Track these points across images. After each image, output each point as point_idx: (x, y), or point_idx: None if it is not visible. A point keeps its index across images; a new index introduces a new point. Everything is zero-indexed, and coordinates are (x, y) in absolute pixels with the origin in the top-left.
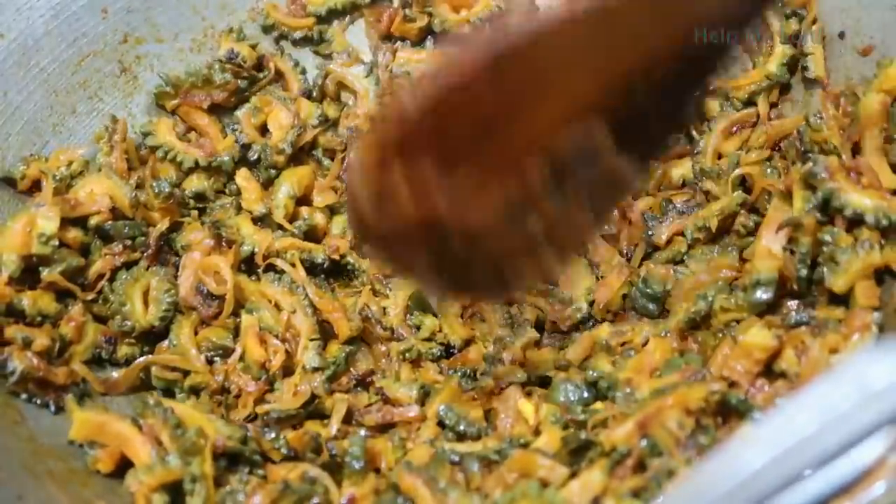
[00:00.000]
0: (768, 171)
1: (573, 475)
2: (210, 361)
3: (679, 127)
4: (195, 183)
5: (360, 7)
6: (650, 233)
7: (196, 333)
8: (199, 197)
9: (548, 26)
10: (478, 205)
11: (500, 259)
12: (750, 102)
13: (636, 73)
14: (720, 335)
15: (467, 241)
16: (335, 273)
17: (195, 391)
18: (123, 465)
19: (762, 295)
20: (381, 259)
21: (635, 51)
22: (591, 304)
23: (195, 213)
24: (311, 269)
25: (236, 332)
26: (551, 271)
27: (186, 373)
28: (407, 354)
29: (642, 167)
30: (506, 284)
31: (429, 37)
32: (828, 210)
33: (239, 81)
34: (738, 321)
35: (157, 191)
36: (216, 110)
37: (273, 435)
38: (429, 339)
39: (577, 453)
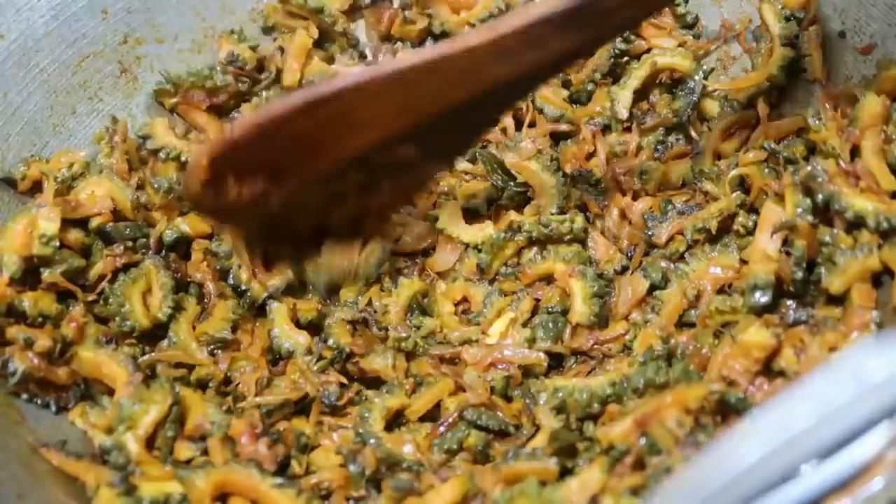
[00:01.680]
0: (765, 171)
1: (570, 471)
2: (212, 354)
3: (473, 139)
4: None
5: (360, 7)
6: (650, 233)
7: (193, 329)
8: None
9: (349, 85)
10: (301, 194)
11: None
12: (749, 104)
13: (426, 114)
14: (718, 335)
15: (291, 214)
16: None
17: (202, 385)
18: None
19: (760, 298)
20: (213, 220)
21: (427, 101)
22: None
23: None
24: None
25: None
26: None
27: (191, 370)
28: (402, 345)
29: (439, 165)
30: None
31: (429, 38)
32: (827, 212)
33: (239, 85)
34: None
35: (157, 187)
36: (217, 111)
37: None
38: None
39: (565, 452)
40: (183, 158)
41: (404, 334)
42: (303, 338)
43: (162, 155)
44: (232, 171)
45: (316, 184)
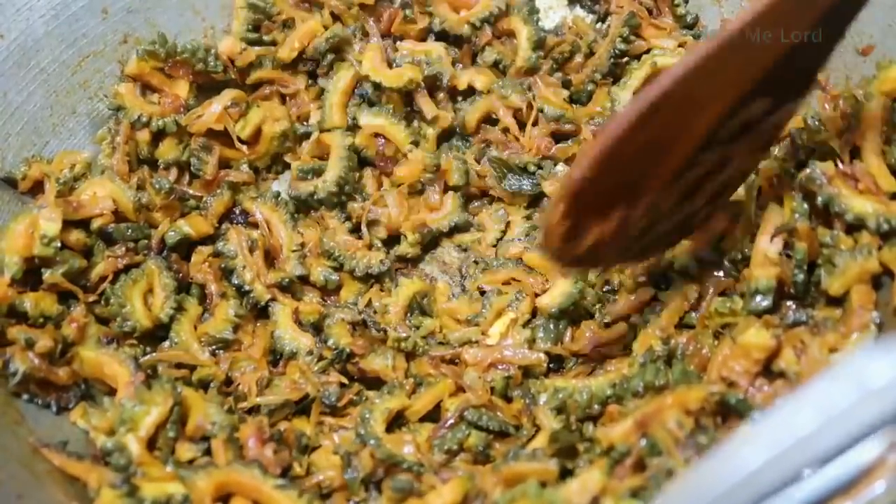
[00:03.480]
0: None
1: (570, 472)
2: (213, 354)
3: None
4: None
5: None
6: None
7: (194, 329)
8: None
9: (689, 69)
10: (658, 201)
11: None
12: None
13: (767, 63)
14: (718, 336)
15: (650, 226)
16: None
17: (204, 385)
18: None
19: (761, 302)
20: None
21: (766, 51)
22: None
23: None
24: None
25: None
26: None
27: (193, 370)
28: (402, 345)
29: (791, 105)
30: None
31: (430, 36)
32: (828, 214)
33: (225, 74)
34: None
35: (157, 187)
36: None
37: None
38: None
39: (565, 453)
40: (155, 124)
41: (404, 334)
42: (306, 339)
43: (134, 119)
44: (590, 210)
45: (672, 185)
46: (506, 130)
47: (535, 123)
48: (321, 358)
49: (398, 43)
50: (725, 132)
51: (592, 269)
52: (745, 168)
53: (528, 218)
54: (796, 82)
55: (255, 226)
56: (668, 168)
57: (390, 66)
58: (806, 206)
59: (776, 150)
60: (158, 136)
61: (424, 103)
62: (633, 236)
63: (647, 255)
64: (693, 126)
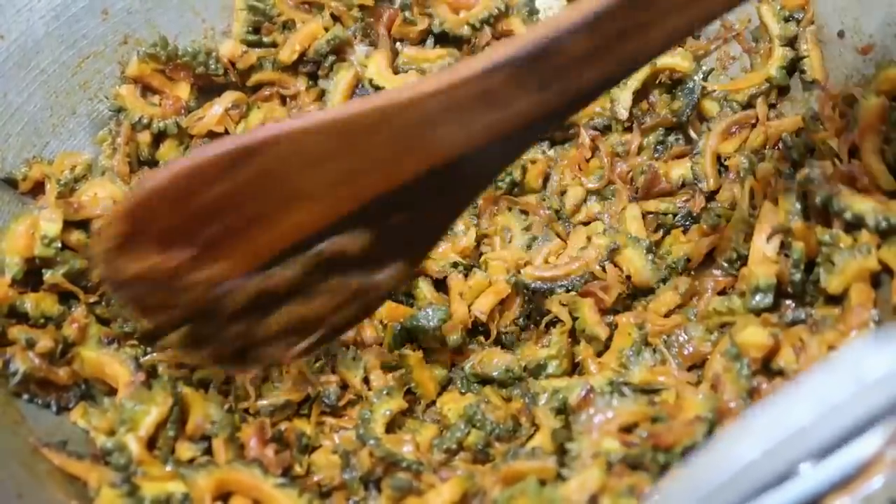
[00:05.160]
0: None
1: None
2: None
3: (436, 233)
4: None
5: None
6: None
7: None
8: None
9: (283, 132)
10: (232, 286)
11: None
12: (749, 104)
13: (377, 189)
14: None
15: (217, 311)
16: None
17: (204, 385)
18: None
19: (761, 301)
20: (126, 301)
21: (375, 168)
22: None
23: None
24: None
25: None
26: (280, 358)
27: (193, 370)
28: None
29: (396, 268)
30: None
31: (430, 37)
32: (827, 213)
33: (225, 77)
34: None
35: None
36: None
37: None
38: None
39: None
40: (156, 126)
41: None
42: None
43: (134, 121)
44: (153, 231)
45: (249, 274)
46: None
47: None
48: (318, 358)
49: (400, 47)
50: (324, 250)
51: (131, 306)
52: (320, 321)
53: (527, 229)
54: (406, 238)
55: None
56: (250, 245)
57: (395, 71)
58: (799, 206)
59: (770, 153)
60: (159, 138)
61: None
62: (188, 306)
63: (192, 345)
64: (285, 210)
